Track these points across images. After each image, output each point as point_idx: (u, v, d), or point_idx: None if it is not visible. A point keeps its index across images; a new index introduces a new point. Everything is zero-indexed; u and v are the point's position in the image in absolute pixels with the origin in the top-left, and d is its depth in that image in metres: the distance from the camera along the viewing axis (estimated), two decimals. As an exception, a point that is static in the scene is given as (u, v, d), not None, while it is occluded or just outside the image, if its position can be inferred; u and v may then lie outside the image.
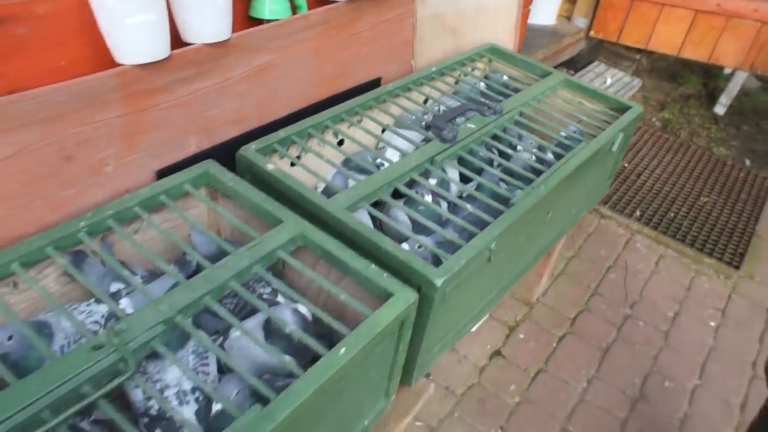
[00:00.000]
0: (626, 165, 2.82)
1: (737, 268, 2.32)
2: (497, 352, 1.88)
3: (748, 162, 3.04)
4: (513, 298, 2.05)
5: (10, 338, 0.79)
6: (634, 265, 2.28)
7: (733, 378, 1.91)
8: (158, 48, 0.94)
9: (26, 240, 0.83)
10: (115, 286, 0.91)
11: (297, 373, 0.74)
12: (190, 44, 1.01)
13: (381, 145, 1.38)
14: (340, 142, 1.33)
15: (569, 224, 1.54)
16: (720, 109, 3.39)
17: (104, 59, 0.95)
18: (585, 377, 1.84)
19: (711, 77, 3.71)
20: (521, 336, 1.94)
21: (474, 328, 1.86)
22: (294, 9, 1.24)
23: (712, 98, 3.50)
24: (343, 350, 0.77)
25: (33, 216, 0.89)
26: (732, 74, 3.34)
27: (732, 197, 2.71)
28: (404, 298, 0.86)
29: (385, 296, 0.87)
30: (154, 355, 0.80)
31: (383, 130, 1.39)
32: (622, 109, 1.52)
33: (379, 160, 1.24)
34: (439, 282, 0.90)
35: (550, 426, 1.68)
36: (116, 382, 0.71)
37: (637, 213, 2.52)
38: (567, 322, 2.01)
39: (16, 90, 0.83)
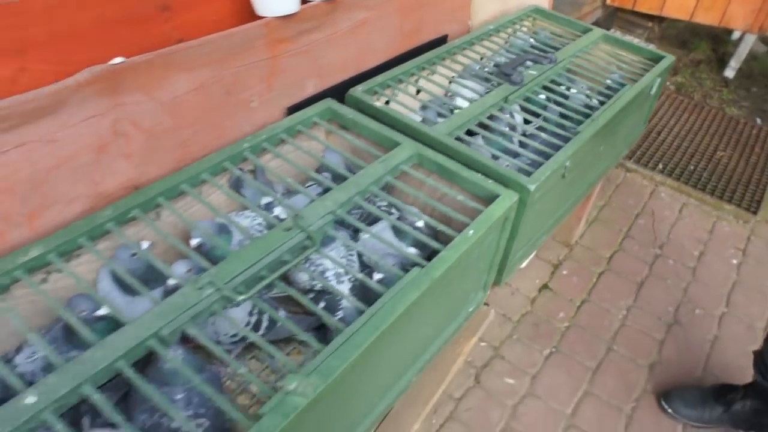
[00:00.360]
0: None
1: (755, 213, 2.52)
2: (545, 286, 2.09)
3: (759, 120, 3.23)
4: (555, 241, 2.26)
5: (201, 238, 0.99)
6: (660, 212, 2.49)
7: (755, 306, 2.12)
8: (292, 3, 1.14)
9: (208, 156, 1.04)
10: (265, 199, 1.11)
11: (422, 263, 0.93)
12: (308, 2, 1.21)
13: (449, 92, 1.58)
14: (417, 91, 1.53)
15: (614, 159, 1.75)
16: (730, 73, 3.58)
17: (244, 15, 1.15)
18: (624, 306, 2.05)
19: (720, 43, 3.90)
20: (564, 272, 2.15)
21: (524, 264, 2.08)
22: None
23: (722, 63, 3.69)
24: (471, 232, 0.97)
25: (207, 139, 1.09)
26: (740, 39, 3.53)
27: (746, 152, 2.91)
28: (508, 198, 1.06)
29: (491, 198, 1.07)
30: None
31: (450, 81, 1.59)
32: (656, 58, 1.72)
33: (455, 103, 1.43)
34: (532, 187, 1.10)
35: (597, 346, 1.90)
36: (306, 253, 0.91)
37: (660, 166, 2.72)
38: (604, 261, 2.22)
39: (185, 39, 1.03)
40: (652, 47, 1.79)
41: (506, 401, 1.71)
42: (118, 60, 0.92)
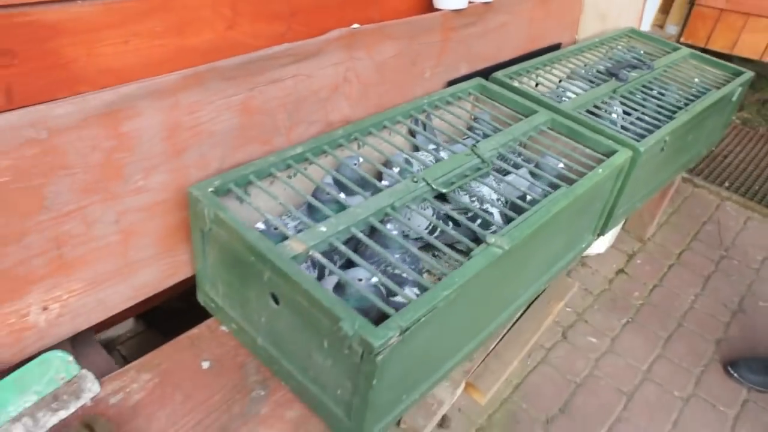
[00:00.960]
0: (713, 149, 3.28)
1: (815, 230, 2.75)
2: (621, 270, 2.37)
3: (821, 154, 3.46)
4: (630, 237, 2.54)
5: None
6: (726, 222, 2.74)
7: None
8: (463, 0, 1.51)
9: (400, 106, 1.40)
10: (431, 146, 1.46)
11: (565, 186, 1.26)
12: (471, 2, 1.57)
13: (560, 88, 1.92)
14: (536, 84, 1.87)
15: (697, 154, 2.05)
16: (795, 111, 3.82)
17: (421, 6, 1.52)
18: (692, 293, 2.31)
19: (786, 85, 4.14)
20: (638, 261, 2.43)
21: (602, 251, 2.37)
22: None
23: (787, 102, 3.93)
24: (600, 170, 1.30)
25: (394, 96, 1.46)
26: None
27: (808, 178, 3.15)
28: (624, 153, 1.38)
29: (610, 153, 1.39)
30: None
31: (560, 81, 1.93)
32: (738, 73, 2.03)
33: (567, 95, 1.76)
34: (642, 148, 1.42)
35: (668, 321, 2.16)
36: (480, 172, 1.25)
37: (726, 184, 2.98)
38: (674, 256, 2.49)
39: (385, 20, 1.40)
40: (733, 65, 2.10)
41: (589, 355, 1.99)
42: (355, 26, 1.30)
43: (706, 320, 2.19)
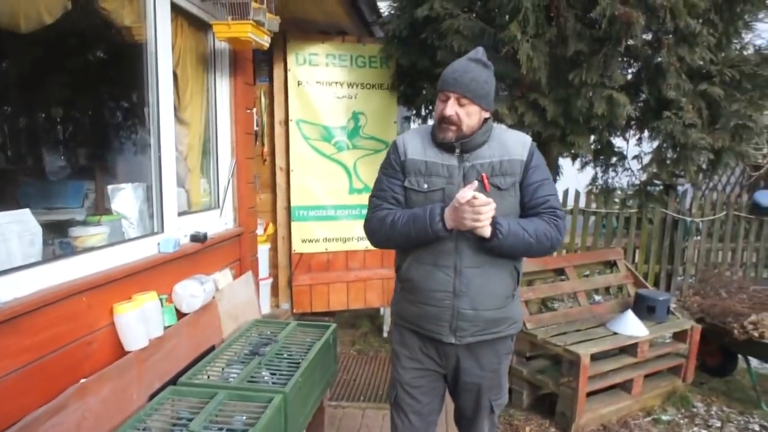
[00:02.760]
0: (339, 374, 4.46)
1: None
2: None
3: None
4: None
5: None
6: (373, 425, 3.78)
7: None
8: (144, 340, 2.27)
9: (125, 422, 2.01)
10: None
11: None
12: (150, 339, 2.33)
13: (225, 373, 2.74)
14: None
15: (327, 383, 3.04)
16: (386, 334, 5.42)
17: (118, 353, 2.22)
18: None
19: (374, 318, 5.83)
20: (326, 475, 3.19)
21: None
22: None
23: (380, 330, 5.54)
24: (268, 412, 2.11)
25: (119, 416, 2.04)
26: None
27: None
28: (279, 396, 2.24)
29: (270, 400, 2.23)
30: None
31: (222, 369, 2.75)
32: (328, 326, 3.20)
33: None
34: (288, 390, 2.30)
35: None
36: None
37: (362, 398, 4.10)
38: (347, 461, 3.34)
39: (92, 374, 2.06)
40: (323, 321, 3.28)
41: None
42: (83, 380, 1.92)
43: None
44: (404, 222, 2.03)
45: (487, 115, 2.09)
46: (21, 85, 4.24)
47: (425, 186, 2.08)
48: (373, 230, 2.16)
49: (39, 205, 3.43)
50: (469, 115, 2.01)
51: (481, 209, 1.87)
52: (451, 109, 2.00)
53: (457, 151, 2.06)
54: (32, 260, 2.02)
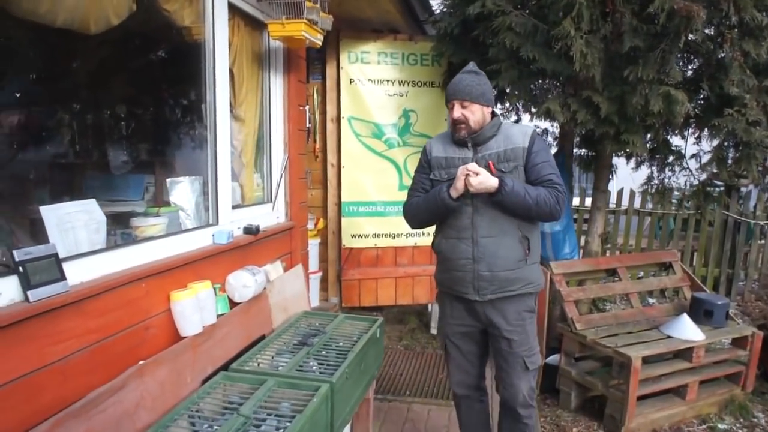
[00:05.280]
0: (384, 369, 4.50)
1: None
2: (361, 477, 3.14)
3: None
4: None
5: None
6: (419, 417, 3.81)
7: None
8: (198, 326, 2.36)
9: (178, 404, 2.10)
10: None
11: None
12: (204, 326, 2.43)
13: (274, 362, 2.81)
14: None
15: (372, 376, 3.09)
16: (434, 331, 5.43)
17: (174, 337, 2.33)
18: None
19: (422, 314, 5.84)
20: (370, 467, 3.24)
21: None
22: None
23: (427, 327, 5.55)
24: (315, 400, 2.17)
25: (173, 399, 2.14)
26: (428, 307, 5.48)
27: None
28: (325, 386, 2.30)
29: (317, 389, 2.29)
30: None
31: (272, 357, 2.83)
32: (375, 320, 3.24)
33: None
34: (335, 380, 2.36)
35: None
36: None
37: (407, 392, 4.13)
38: (392, 454, 3.38)
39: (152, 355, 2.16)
40: (371, 315, 3.32)
41: None
42: (141, 362, 2.02)
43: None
44: (423, 199, 2.64)
45: (489, 109, 2.57)
46: (88, 84, 4.45)
47: (445, 176, 2.59)
48: (406, 212, 2.77)
49: (103, 197, 3.60)
50: (473, 113, 2.51)
51: (473, 180, 2.38)
52: (457, 112, 2.51)
53: (470, 144, 2.57)
54: (97, 247, 2.14)
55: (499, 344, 2.63)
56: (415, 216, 2.72)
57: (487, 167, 2.46)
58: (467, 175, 2.40)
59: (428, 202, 2.58)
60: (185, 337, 2.34)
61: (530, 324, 2.65)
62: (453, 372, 2.85)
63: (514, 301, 2.58)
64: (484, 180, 2.39)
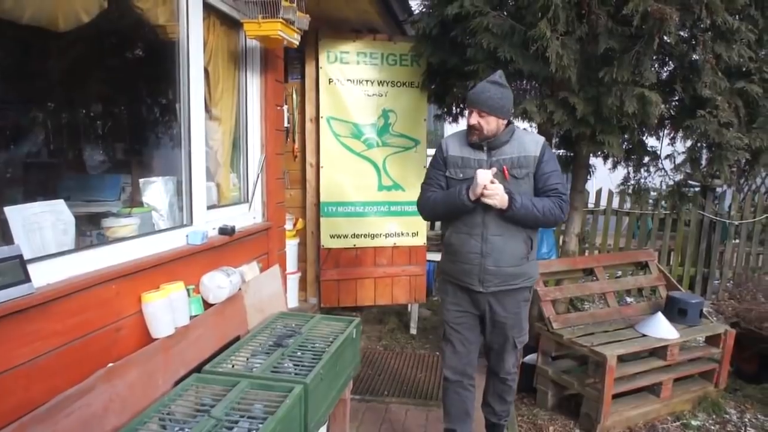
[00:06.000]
0: (360, 370, 4.49)
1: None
2: (338, 478, 3.13)
3: (438, 353, 4.98)
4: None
5: None
6: (396, 417, 3.81)
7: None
8: (170, 328, 2.34)
9: (149, 407, 2.08)
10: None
11: None
12: (176, 327, 2.40)
13: (249, 363, 2.79)
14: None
15: (348, 376, 3.08)
16: (413, 330, 5.44)
17: (144, 339, 2.30)
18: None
19: (402, 314, 5.84)
20: (347, 467, 3.23)
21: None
22: None
23: (407, 327, 5.56)
24: (287, 401, 2.16)
25: (145, 400, 2.12)
26: (410, 309, 5.48)
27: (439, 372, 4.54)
28: (299, 387, 2.29)
29: (290, 390, 2.27)
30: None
31: (247, 359, 2.81)
32: (351, 320, 3.23)
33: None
34: (309, 381, 2.34)
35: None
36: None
37: (386, 392, 4.13)
38: (369, 454, 3.38)
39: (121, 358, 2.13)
40: (348, 316, 3.32)
41: None
42: (110, 365, 2.00)
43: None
44: (442, 197, 2.82)
45: (504, 121, 2.75)
46: (62, 82, 4.39)
47: (461, 175, 2.79)
48: (423, 206, 2.97)
49: (79, 197, 3.55)
50: (488, 123, 2.70)
51: (489, 192, 2.61)
52: (474, 119, 2.70)
53: (485, 148, 2.76)
54: (65, 248, 2.11)
55: (494, 327, 2.90)
56: (433, 210, 2.96)
57: (501, 172, 2.69)
58: (485, 187, 2.60)
59: (447, 200, 2.77)
60: (157, 339, 2.31)
61: (524, 311, 2.95)
62: (448, 357, 3.03)
63: (514, 293, 2.84)
64: (497, 202, 2.62)
